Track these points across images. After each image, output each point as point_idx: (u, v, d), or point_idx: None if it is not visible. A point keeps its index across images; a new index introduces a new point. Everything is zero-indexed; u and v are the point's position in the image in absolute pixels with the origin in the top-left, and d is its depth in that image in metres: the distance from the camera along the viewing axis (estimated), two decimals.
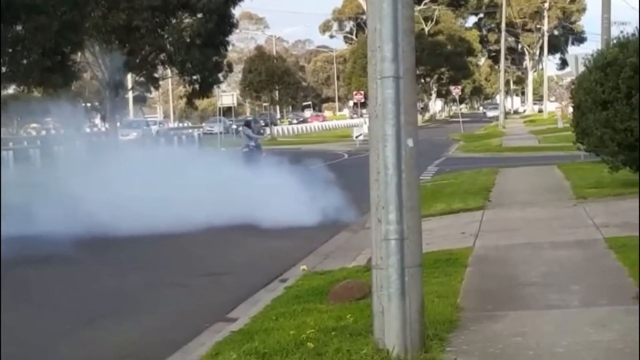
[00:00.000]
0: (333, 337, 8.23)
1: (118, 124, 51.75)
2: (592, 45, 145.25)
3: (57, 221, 17.64)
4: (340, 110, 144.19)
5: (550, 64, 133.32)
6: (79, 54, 46.34)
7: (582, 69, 22.68)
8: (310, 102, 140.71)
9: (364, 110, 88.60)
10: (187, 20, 48.68)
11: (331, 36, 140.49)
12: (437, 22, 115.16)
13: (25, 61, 38.54)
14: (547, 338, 8.06)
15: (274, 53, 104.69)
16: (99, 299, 12.66)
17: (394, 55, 7.50)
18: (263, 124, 74.69)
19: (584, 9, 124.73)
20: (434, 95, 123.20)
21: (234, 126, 71.56)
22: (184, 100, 63.86)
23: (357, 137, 57.85)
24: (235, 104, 69.04)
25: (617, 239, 13.14)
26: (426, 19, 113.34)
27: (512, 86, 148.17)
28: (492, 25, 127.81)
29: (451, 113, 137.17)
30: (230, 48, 59.50)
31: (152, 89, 60.63)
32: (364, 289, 10.01)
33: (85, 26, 40.86)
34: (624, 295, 9.47)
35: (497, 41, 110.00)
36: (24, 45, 37.89)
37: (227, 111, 69.65)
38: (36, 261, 15.51)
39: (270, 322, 9.44)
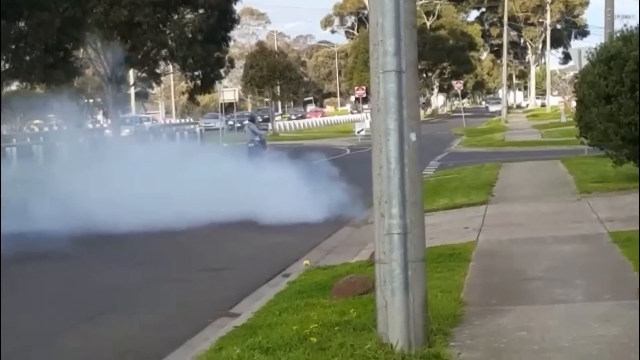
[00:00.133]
0: (336, 331, 8.21)
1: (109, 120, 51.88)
2: (595, 39, 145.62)
3: (58, 218, 17.64)
4: (342, 105, 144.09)
5: (553, 58, 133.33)
6: (81, 50, 46.36)
7: (585, 62, 22.63)
8: (312, 98, 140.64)
9: (365, 106, 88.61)
10: (188, 16, 48.69)
11: (332, 31, 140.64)
12: (438, 17, 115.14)
13: (27, 57, 38.56)
14: (552, 332, 8.03)
15: (276, 48, 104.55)
16: (101, 295, 12.64)
17: (396, 49, 7.47)
18: (261, 120, 74.59)
19: (586, 3, 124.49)
20: (436, 90, 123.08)
21: (231, 122, 71.47)
22: (186, 96, 63.89)
23: (359, 132, 57.82)
24: (237, 100, 69.02)
25: (622, 233, 13.11)
26: (428, 14, 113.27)
27: (514, 80, 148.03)
28: (494, 20, 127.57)
29: (453, 108, 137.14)
30: (231, 44, 59.53)
31: (154, 84, 60.66)
32: (367, 283, 9.99)
33: (87, 22, 40.84)
34: (628, 290, 9.44)
35: (500, 35, 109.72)
36: (27, 41, 37.89)
37: (228, 107, 69.55)
38: (37, 257, 15.49)
39: (273, 317, 9.42)
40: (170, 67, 55.64)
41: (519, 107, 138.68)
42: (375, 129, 7.65)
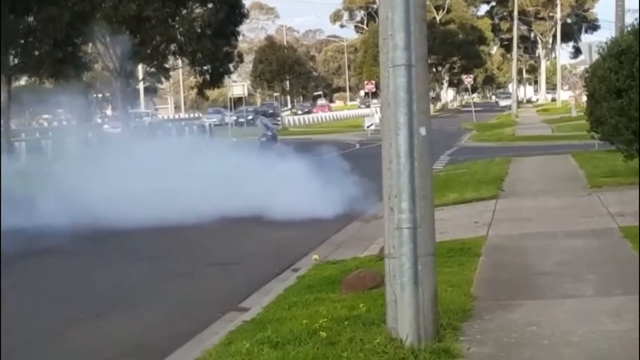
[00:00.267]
0: (346, 326, 8.20)
1: (101, 117, 51.69)
2: (605, 33, 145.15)
3: (66, 213, 17.65)
4: (352, 100, 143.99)
5: (563, 52, 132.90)
6: (90, 44, 46.45)
7: (596, 57, 22.54)
8: (321, 92, 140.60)
9: (374, 100, 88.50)
10: (197, 11, 48.75)
11: (342, 26, 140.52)
12: (448, 11, 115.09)
13: (36, 52, 38.67)
14: (562, 327, 8.00)
15: (285, 43, 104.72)
16: (109, 290, 12.65)
17: (406, 43, 7.45)
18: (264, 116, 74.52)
19: None
20: (445, 85, 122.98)
21: (234, 117, 71.41)
22: (195, 90, 63.92)
23: (368, 127, 57.75)
24: (246, 94, 69.00)
25: (632, 228, 13.04)
26: (438, 8, 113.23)
27: (524, 75, 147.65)
28: (504, 14, 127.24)
29: (463, 102, 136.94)
30: (240, 38, 59.55)
31: (162, 79, 60.68)
32: (377, 278, 9.97)
33: (96, 17, 40.90)
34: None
35: (510, 30, 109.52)
36: (36, 36, 38.00)
37: (237, 101, 69.58)
38: (44, 253, 15.52)
39: (282, 312, 9.41)
40: (179, 61, 55.73)
41: (529, 101, 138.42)
42: (385, 123, 7.63)
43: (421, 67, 7.58)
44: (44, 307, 11.60)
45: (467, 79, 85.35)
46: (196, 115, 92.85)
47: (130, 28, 45.43)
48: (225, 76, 54.70)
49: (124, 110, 50.85)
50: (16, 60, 38.99)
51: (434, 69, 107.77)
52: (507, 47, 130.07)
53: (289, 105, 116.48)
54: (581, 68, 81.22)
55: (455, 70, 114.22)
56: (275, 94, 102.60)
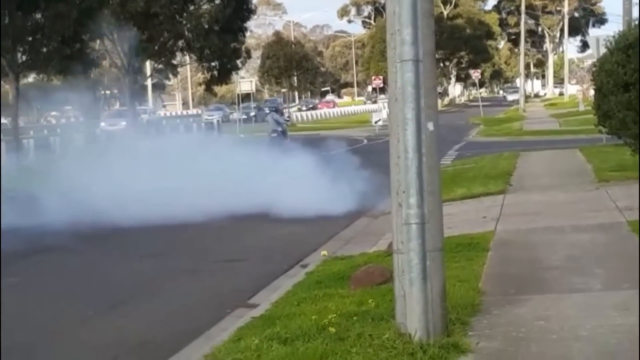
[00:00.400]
0: (355, 321, 8.21)
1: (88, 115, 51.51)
2: (613, 27, 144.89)
3: (74, 210, 17.69)
4: (359, 95, 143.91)
5: (570, 46, 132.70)
6: (98, 41, 46.48)
7: (603, 50, 22.50)
8: (329, 88, 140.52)
9: (382, 96, 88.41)
10: (205, 7, 48.79)
11: (349, 21, 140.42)
12: (456, 6, 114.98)
13: (44, 49, 38.69)
14: (570, 321, 8.01)
15: (292, 39, 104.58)
16: (119, 286, 12.68)
17: (413, 38, 7.46)
18: (268, 112, 74.14)
19: None
20: (453, 79, 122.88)
21: (235, 114, 71.16)
22: (203, 87, 63.93)
23: (376, 122, 57.70)
24: (254, 90, 68.99)
25: None
26: (445, 2, 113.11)
27: (532, 69, 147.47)
28: (512, 8, 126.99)
29: (471, 97, 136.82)
30: (248, 34, 59.56)
31: (170, 76, 60.69)
32: (385, 273, 9.98)
33: (104, 13, 40.93)
34: None
35: (517, 24, 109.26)
36: (43, 33, 38.02)
37: (245, 97, 69.59)
38: (50, 250, 15.55)
39: (291, 308, 9.42)
40: (187, 58, 55.71)
41: (536, 96, 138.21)
42: (393, 118, 7.63)
43: (429, 62, 7.58)
44: (50, 305, 11.61)
45: (475, 74, 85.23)
46: (197, 112, 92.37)
47: (138, 24, 45.44)
48: (233, 72, 54.71)
49: (128, 106, 50.87)
50: (24, 57, 39.01)
51: (442, 64, 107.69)
52: (514, 41, 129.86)
53: (297, 101, 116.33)
54: (589, 62, 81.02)
55: (463, 65, 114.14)
56: (283, 90, 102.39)
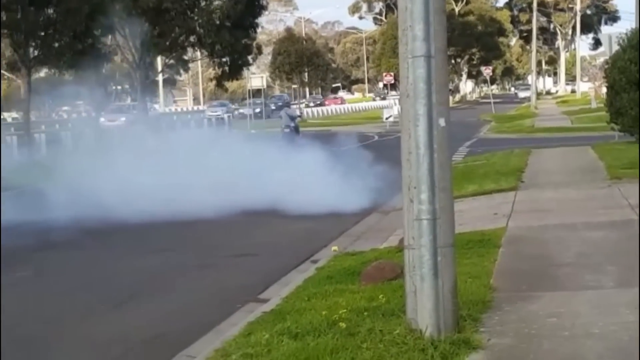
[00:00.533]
0: (365, 317, 8.20)
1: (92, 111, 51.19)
2: (625, 24, 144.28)
3: (84, 205, 17.72)
4: (370, 91, 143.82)
5: (582, 43, 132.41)
6: (110, 36, 46.52)
7: (615, 48, 22.46)
8: (339, 84, 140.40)
9: (393, 92, 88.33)
10: (216, 2, 48.75)
11: (360, 17, 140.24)
12: (467, 2, 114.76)
13: (56, 44, 38.76)
14: (582, 319, 7.98)
15: (303, 35, 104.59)
16: (129, 281, 12.69)
17: (425, 34, 7.44)
18: (274, 108, 73.73)
19: None
20: (464, 76, 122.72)
21: (242, 110, 70.83)
22: (214, 82, 63.92)
23: (387, 118, 57.65)
24: (265, 86, 68.96)
25: None
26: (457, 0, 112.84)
27: (544, 66, 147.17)
28: (524, 5, 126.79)
29: (482, 94, 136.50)
30: (259, 30, 59.51)
31: (181, 71, 60.72)
32: (396, 269, 9.96)
33: (116, 9, 40.99)
34: None
35: (529, 21, 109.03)
36: (55, 28, 38.09)
37: (256, 93, 69.58)
38: (64, 244, 15.58)
39: (302, 303, 9.41)
40: (198, 53, 55.79)
41: (548, 93, 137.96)
42: (404, 114, 7.62)
43: (440, 59, 7.56)
44: (60, 299, 11.62)
45: (486, 71, 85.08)
46: (200, 108, 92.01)
47: (150, 20, 45.48)
48: (244, 68, 54.72)
49: (139, 101, 50.92)
50: (36, 52, 39.10)
51: (453, 61, 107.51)
52: (526, 38, 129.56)
53: (307, 97, 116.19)
54: (601, 59, 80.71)
55: (474, 62, 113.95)
56: (294, 86, 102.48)
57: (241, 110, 73.64)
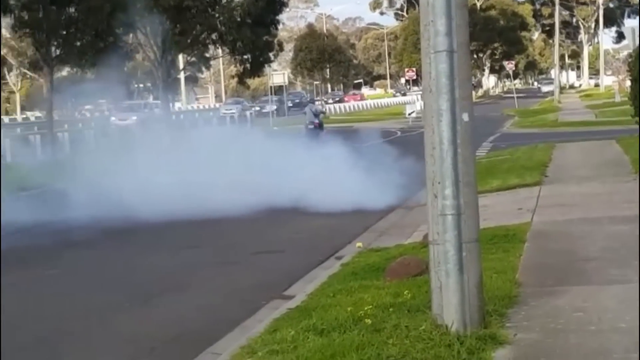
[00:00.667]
0: (391, 313, 8.19)
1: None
2: None
3: (109, 203, 17.79)
4: (392, 87, 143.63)
5: (606, 37, 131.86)
6: (131, 35, 46.62)
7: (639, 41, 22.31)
8: (361, 80, 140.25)
9: (415, 88, 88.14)
10: (237, 0, 48.72)
11: (381, 13, 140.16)
12: None
13: (78, 43, 38.92)
14: (609, 313, 7.95)
15: (325, 31, 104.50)
16: (154, 278, 12.73)
17: (447, 29, 7.42)
18: (291, 105, 73.42)
19: None
20: (487, 71, 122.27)
21: (257, 108, 70.51)
22: (236, 79, 63.99)
23: (409, 114, 57.55)
24: (287, 83, 68.95)
25: None
26: None
27: (567, 60, 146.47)
28: None
29: (505, 89, 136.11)
30: (280, 27, 59.47)
31: (203, 69, 60.73)
32: (421, 265, 9.94)
33: (137, 7, 41.08)
34: None
35: (551, 15, 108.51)
36: (77, 27, 38.26)
37: (278, 90, 69.57)
38: (89, 242, 15.65)
39: (327, 299, 9.41)
40: (220, 51, 55.76)
41: (571, 87, 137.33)
42: (427, 109, 7.61)
43: (463, 53, 7.55)
44: (87, 297, 11.67)
45: (509, 65, 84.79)
46: (214, 106, 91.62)
47: (171, 18, 45.52)
48: (266, 65, 54.72)
49: (161, 99, 50.98)
50: (58, 51, 39.26)
51: (475, 56, 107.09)
52: (548, 32, 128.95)
53: (326, 94, 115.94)
54: (624, 53, 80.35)
55: (497, 57, 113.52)
56: (316, 83, 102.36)
57: (257, 108, 73.21)
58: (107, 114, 55.24)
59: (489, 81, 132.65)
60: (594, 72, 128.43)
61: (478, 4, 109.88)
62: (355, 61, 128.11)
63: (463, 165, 7.46)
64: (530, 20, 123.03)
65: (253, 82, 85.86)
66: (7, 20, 41.90)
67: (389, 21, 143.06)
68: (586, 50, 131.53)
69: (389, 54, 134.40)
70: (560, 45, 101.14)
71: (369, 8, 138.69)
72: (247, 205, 17.87)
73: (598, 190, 16.97)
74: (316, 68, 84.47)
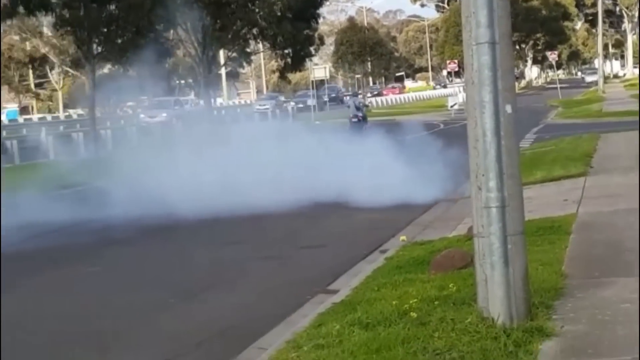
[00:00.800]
0: (436, 306, 8.16)
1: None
2: None
3: (154, 200, 17.87)
4: (434, 79, 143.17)
5: None
6: (172, 31, 46.86)
7: None
8: (403, 73, 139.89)
9: (457, 79, 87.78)
10: None
11: (422, 5, 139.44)
12: None
13: (119, 40, 39.18)
14: None
15: (365, 24, 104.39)
16: (199, 273, 12.79)
17: (489, 20, 7.38)
18: (327, 99, 73.16)
19: None
20: (529, 62, 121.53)
21: (293, 103, 70.26)
22: (277, 74, 64.11)
23: (451, 106, 57.40)
24: (328, 77, 68.90)
25: None
26: None
27: (610, 50, 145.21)
28: None
29: (548, 79, 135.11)
30: (321, 21, 59.52)
31: (244, 64, 60.89)
32: (466, 258, 9.90)
33: (177, 3, 41.30)
34: None
35: (594, 4, 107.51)
36: (118, 24, 38.53)
37: (319, 84, 69.57)
38: (132, 239, 15.74)
39: (372, 293, 9.39)
40: (260, 45, 55.91)
41: (616, 76, 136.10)
42: (470, 101, 7.58)
43: (505, 44, 7.50)
44: (132, 293, 11.72)
45: (552, 56, 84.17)
46: (247, 102, 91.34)
47: (211, 13, 45.70)
48: (307, 59, 54.79)
49: (203, 95, 51.20)
50: (99, 49, 39.56)
51: (518, 47, 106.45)
52: (591, 22, 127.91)
53: (365, 88, 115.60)
54: None
55: (539, 47, 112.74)
56: (357, 76, 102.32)
57: (292, 103, 72.96)
58: (138, 111, 55.34)
59: (532, 72, 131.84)
60: (639, 61, 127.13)
61: None
62: (396, 54, 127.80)
63: (507, 157, 7.42)
64: (573, 10, 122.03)
65: (294, 77, 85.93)
66: (48, 19, 42.28)
67: (430, 13, 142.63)
68: (630, 39, 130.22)
69: (431, 46, 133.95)
70: (603, 34, 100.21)
71: (409, 0, 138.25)
72: (291, 200, 17.88)
73: None
74: (357, 61, 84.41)
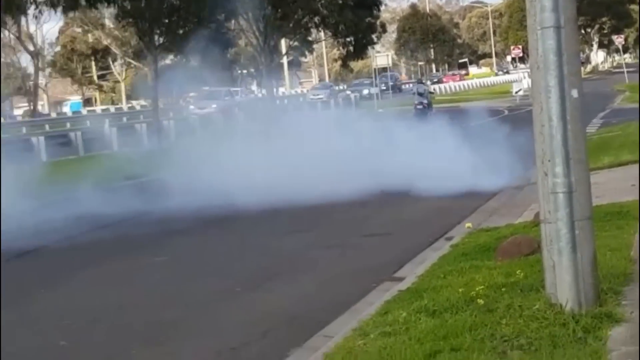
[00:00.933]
0: (503, 293, 8.11)
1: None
2: None
3: (219, 189, 17.96)
4: (497, 65, 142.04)
5: None
6: (233, 21, 46.99)
7: None
8: (466, 59, 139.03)
9: (522, 65, 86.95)
10: None
11: None
12: None
13: (181, 31, 39.39)
14: None
15: (428, 11, 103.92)
16: (264, 262, 12.83)
17: (554, 4, 7.31)
18: (384, 88, 72.66)
19: None
20: (595, 46, 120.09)
21: (349, 92, 69.71)
22: (339, 62, 64.05)
23: (516, 92, 56.98)
24: (390, 64, 68.69)
25: None
26: None
27: None
28: None
29: (614, 64, 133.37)
30: (382, 8, 59.33)
31: (306, 53, 60.94)
32: (533, 244, 9.83)
33: None
34: None
35: None
36: (179, 15, 38.73)
37: (382, 72, 69.38)
38: (197, 229, 15.85)
39: (438, 280, 9.36)
40: (322, 34, 55.90)
41: None
42: (535, 87, 7.51)
43: (570, 29, 7.42)
44: (198, 282, 11.80)
45: (618, 40, 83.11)
46: (301, 91, 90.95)
47: (272, 3, 45.78)
48: (369, 47, 54.67)
49: (265, 85, 51.34)
50: (161, 40, 39.81)
51: (583, 31, 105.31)
52: None
53: (425, 75, 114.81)
54: None
55: (605, 31, 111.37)
56: (420, 63, 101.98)
57: (347, 92, 72.54)
58: (189, 102, 55.55)
59: (598, 56, 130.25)
60: None
61: None
62: (459, 40, 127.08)
63: (573, 142, 7.35)
64: None
65: (357, 65, 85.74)
66: (110, 10, 42.64)
67: None
68: None
69: (494, 32, 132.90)
70: None
71: None
72: (357, 189, 17.88)
73: None
74: (420, 48, 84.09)
